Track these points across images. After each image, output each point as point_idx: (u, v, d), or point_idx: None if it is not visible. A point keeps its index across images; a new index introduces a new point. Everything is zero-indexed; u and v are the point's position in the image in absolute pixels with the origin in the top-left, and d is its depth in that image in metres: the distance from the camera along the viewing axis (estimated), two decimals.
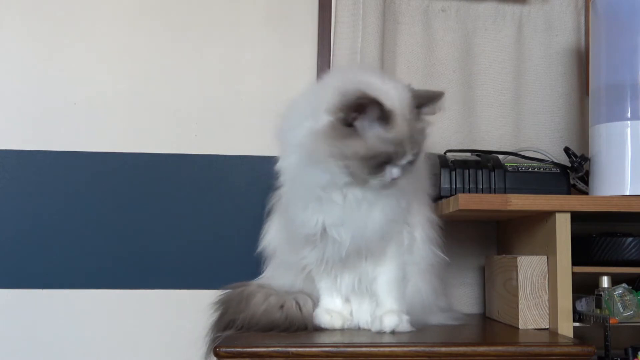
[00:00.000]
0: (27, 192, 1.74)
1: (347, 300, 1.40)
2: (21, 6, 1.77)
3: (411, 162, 1.26)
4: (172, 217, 1.77)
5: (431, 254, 1.42)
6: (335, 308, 1.38)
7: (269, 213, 1.48)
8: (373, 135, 1.21)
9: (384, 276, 1.36)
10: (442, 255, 1.44)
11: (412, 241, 1.39)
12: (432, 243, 1.42)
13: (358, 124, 1.21)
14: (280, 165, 1.34)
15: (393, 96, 1.24)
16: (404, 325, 1.33)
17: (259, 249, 1.48)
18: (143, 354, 1.73)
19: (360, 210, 1.28)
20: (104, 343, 1.73)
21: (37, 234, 1.73)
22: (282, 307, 1.35)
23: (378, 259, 1.35)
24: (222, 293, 1.42)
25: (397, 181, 1.26)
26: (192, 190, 1.78)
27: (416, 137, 1.26)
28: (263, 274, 1.49)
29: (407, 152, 1.24)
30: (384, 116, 1.21)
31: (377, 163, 1.23)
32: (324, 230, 1.29)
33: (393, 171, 1.24)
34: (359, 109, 1.20)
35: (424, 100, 1.28)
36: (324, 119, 1.22)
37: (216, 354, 1.17)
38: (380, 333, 1.32)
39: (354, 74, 1.30)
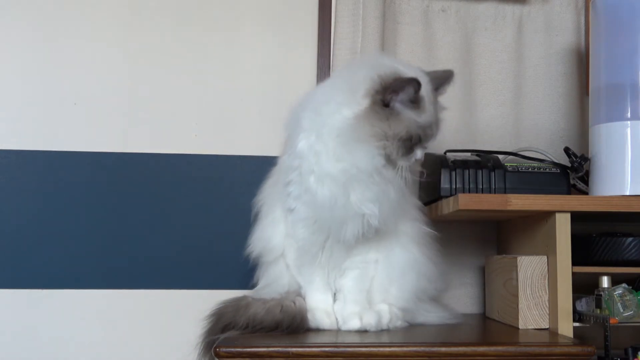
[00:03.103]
0: (27, 192, 1.74)
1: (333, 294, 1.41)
2: (21, 6, 1.77)
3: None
4: (171, 217, 1.77)
5: (417, 229, 1.43)
6: (329, 307, 1.38)
7: (256, 215, 1.47)
8: (408, 117, 1.26)
9: (380, 266, 1.39)
10: (429, 229, 1.44)
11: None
12: (417, 221, 1.44)
13: (395, 104, 1.26)
14: (301, 147, 1.31)
15: (422, 80, 1.28)
16: (384, 320, 1.36)
17: (249, 249, 1.47)
18: (143, 353, 1.73)
19: (387, 188, 1.31)
20: (103, 343, 1.72)
21: (37, 234, 1.73)
22: (281, 309, 1.35)
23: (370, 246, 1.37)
24: (217, 307, 1.41)
25: (417, 162, 1.32)
26: (192, 190, 1.78)
27: (439, 120, 1.34)
28: (257, 287, 1.49)
29: (434, 134, 1.32)
30: (416, 99, 1.26)
31: (411, 145, 1.28)
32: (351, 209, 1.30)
33: (418, 152, 1.30)
34: (396, 89, 1.24)
35: (440, 82, 1.35)
36: (363, 103, 1.26)
37: (216, 354, 1.17)
38: (378, 332, 1.33)
39: (379, 60, 1.34)
